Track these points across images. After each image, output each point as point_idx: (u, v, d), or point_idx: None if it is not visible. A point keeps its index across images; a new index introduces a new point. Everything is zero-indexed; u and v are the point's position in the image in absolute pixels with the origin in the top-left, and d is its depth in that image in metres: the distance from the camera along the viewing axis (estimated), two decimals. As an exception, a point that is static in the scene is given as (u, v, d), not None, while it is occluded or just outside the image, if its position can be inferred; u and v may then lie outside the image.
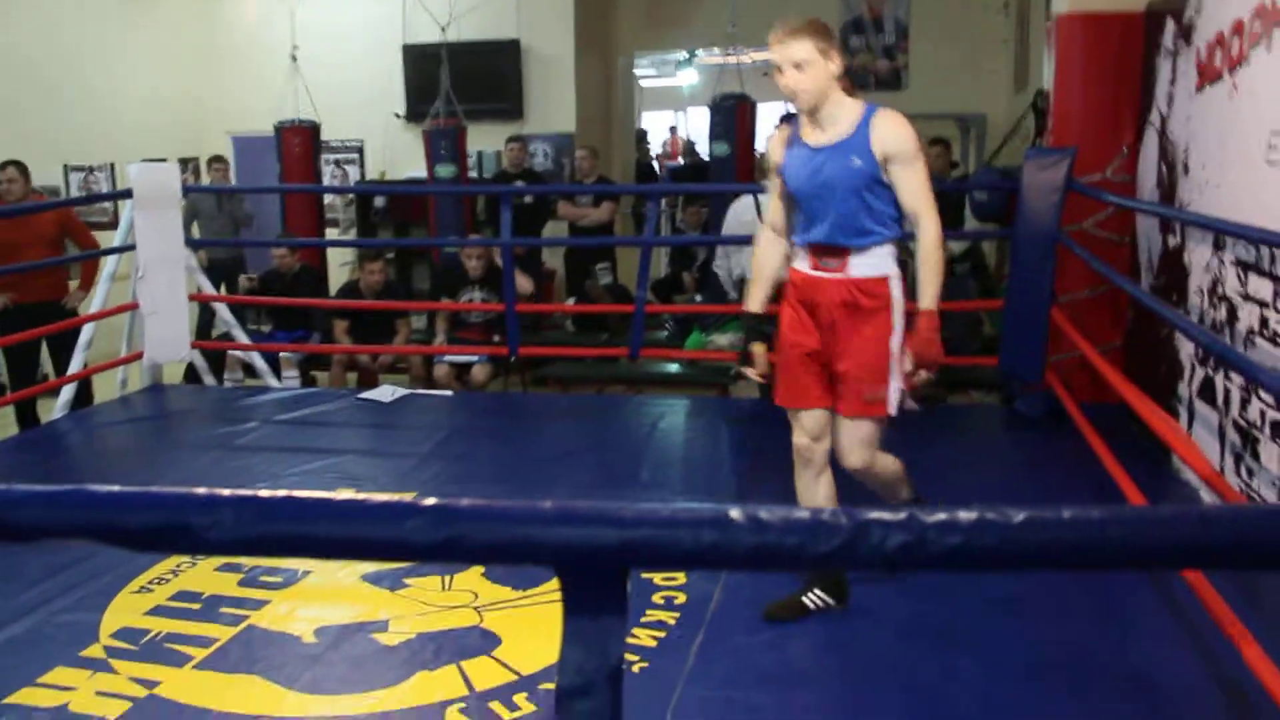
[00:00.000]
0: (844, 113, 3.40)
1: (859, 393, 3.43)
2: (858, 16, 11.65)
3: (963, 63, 10.97)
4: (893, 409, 3.45)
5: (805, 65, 3.30)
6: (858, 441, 3.49)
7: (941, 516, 0.88)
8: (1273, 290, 3.89)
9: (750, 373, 3.71)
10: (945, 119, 10.73)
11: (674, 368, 7.69)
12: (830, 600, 3.59)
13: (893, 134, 3.35)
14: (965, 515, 0.88)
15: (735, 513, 0.86)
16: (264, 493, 0.89)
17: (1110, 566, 0.92)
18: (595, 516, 0.86)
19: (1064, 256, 5.65)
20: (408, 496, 0.98)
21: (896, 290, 3.44)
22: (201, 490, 0.89)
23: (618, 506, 0.86)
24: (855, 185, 3.36)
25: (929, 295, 3.39)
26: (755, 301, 3.68)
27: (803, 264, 3.53)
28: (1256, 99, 4.11)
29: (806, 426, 3.55)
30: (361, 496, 0.88)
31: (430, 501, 0.87)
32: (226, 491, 0.89)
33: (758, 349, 3.66)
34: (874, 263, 3.41)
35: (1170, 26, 5.25)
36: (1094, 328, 5.67)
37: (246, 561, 4.12)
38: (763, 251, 3.71)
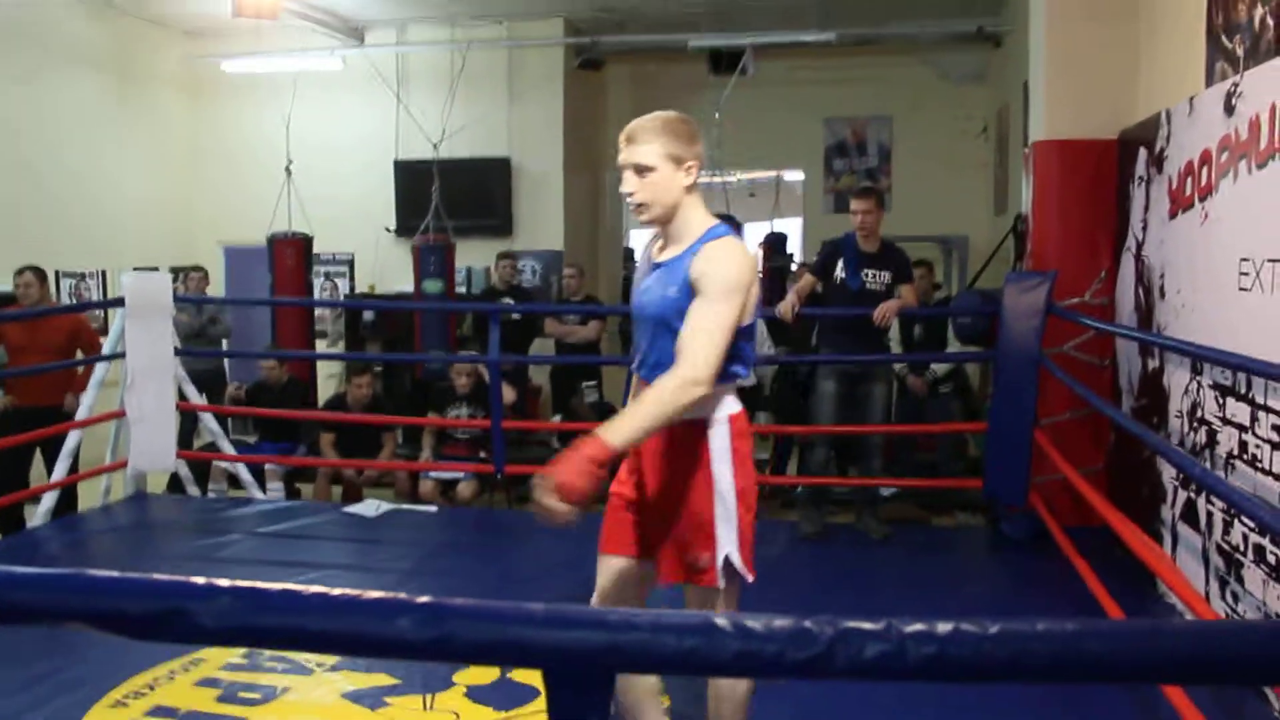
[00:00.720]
0: (689, 232, 2.89)
1: (679, 556, 2.92)
2: (841, 140, 11.94)
3: (944, 186, 11.21)
4: (720, 580, 2.87)
5: (648, 172, 2.83)
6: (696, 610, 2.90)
7: (919, 626, 0.91)
8: (1250, 414, 3.95)
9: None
10: (928, 241, 10.92)
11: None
12: None
13: (704, 263, 2.77)
14: (942, 626, 0.91)
15: (720, 620, 0.88)
16: (261, 584, 0.91)
17: (1085, 679, 0.94)
18: (584, 620, 0.88)
19: (1045, 379, 5.72)
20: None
21: (719, 439, 2.88)
22: (200, 579, 0.91)
23: (605, 610, 0.88)
24: (665, 316, 2.85)
25: (619, 429, 2.63)
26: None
27: None
28: (1225, 227, 4.22)
29: (602, 574, 3.10)
30: (355, 592, 0.90)
31: (423, 600, 0.89)
32: (225, 581, 0.90)
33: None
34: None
35: (1143, 155, 5.40)
36: (1077, 450, 5.71)
37: (225, 677, 4.07)
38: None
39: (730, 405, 2.92)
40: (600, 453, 2.59)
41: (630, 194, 2.87)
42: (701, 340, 2.71)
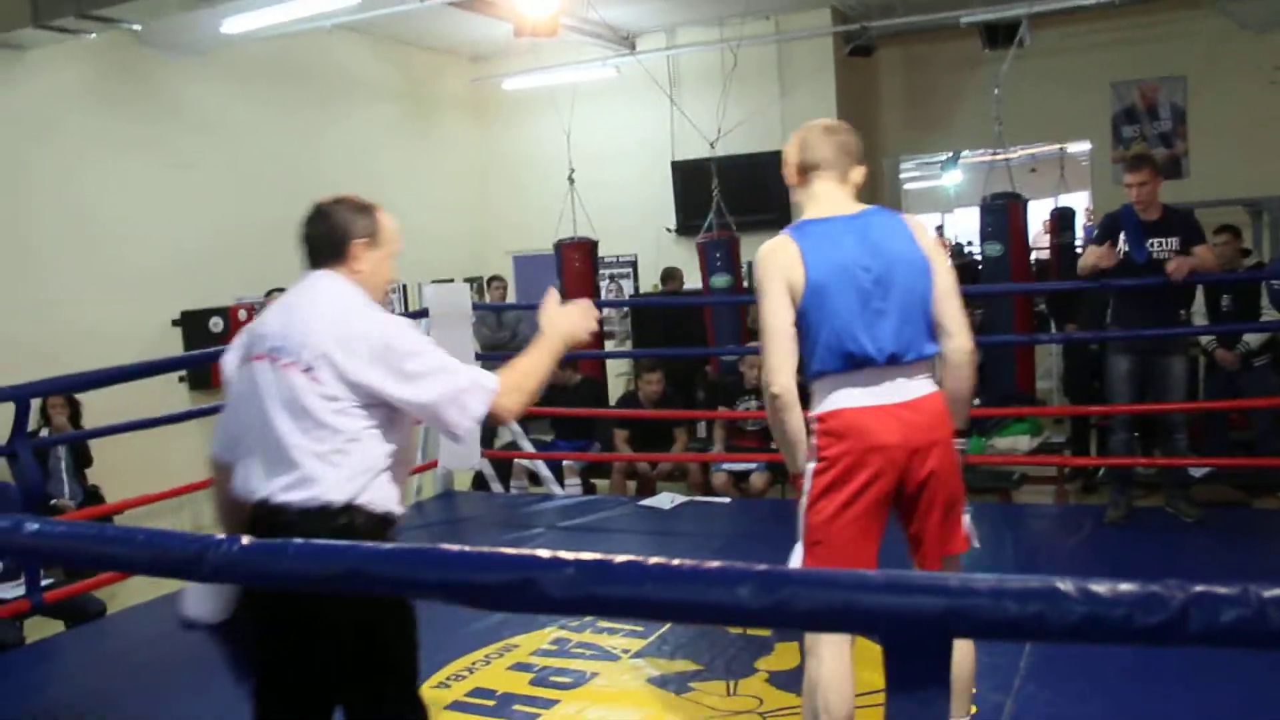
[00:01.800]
0: None
1: None
2: (1130, 106, 11.29)
3: (1249, 144, 10.40)
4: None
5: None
6: None
7: (1280, 592, 0.86)
8: None
9: None
10: (1234, 205, 10.20)
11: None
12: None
13: None
14: (1307, 591, 0.86)
15: (1063, 584, 0.87)
16: (604, 556, 0.95)
17: None
18: (922, 585, 0.88)
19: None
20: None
21: (810, 438, 2.93)
22: (544, 552, 0.96)
23: (944, 576, 0.88)
24: None
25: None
26: None
27: None
28: None
29: None
30: (694, 562, 0.93)
31: (761, 567, 0.91)
32: (570, 553, 0.95)
33: None
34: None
35: None
36: None
37: (537, 662, 4.26)
38: None
39: (824, 402, 2.89)
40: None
41: None
42: (761, 349, 2.93)
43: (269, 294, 7.80)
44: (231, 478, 2.63)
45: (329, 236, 2.70)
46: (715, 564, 0.93)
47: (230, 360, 2.72)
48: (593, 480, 8.26)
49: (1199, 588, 0.87)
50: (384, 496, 2.61)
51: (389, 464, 2.61)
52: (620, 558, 0.96)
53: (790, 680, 3.91)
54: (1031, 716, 3.55)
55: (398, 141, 11.13)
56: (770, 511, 6.79)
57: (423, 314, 7.03)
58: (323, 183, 9.73)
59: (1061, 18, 10.30)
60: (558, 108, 10.67)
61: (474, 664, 4.29)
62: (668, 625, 4.48)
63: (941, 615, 0.88)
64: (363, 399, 2.53)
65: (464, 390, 2.54)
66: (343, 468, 2.52)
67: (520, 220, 11.72)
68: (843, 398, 2.85)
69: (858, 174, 3.10)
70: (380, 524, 2.60)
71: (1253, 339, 7.11)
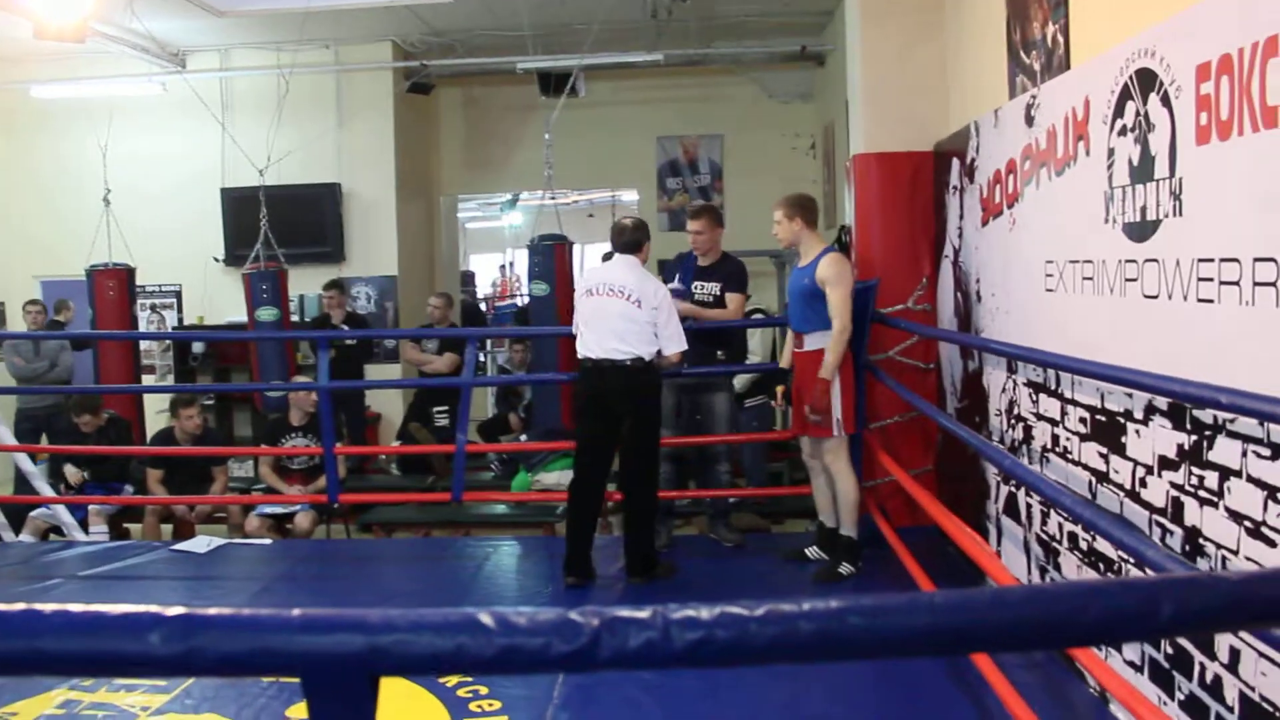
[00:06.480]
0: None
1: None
2: (674, 159, 12.08)
3: (776, 201, 11.37)
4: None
5: None
6: None
7: (686, 613, 0.91)
8: (1060, 409, 4.12)
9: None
10: (762, 255, 11.09)
11: (501, 508, 7.62)
12: (855, 567, 5.40)
13: None
14: (707, 611, 0.91)
15: (483, 615, 0.87)
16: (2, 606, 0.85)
17: (850, 656, 0.95)
18: (342, 623, 0.86)
19: (873, 384, 5.86)
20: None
21: None
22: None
23: (365, 612, 0.86)
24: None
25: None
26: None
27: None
28: (1031, 232, 4.41)
29: None
30: (102, 608, 0.86)
31: (174, 611, 0.85)
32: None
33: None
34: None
35: (956, 165, 5.60)
36: (906, 452, 5.87)
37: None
38: None
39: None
40: None
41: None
42: None
43: None
44: (581, 348, 5.36)
45: (633, 241, 5.48)
46: (122, 610, 0.86)
47: (580, 293, 5.49)
48: (126, 525, 7.68)
49: (613, 613, 0.90)
50: (654, 356, 5.33)
51: (657, 343, 5.31)
52: (17, 607, 0.86)
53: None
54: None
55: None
56: (313, 552, 6.59)
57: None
58: None
59: (613, 72, 10.84)
60: (95, 122, 9.92)
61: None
62: (191, 679, 4.22)
63: (362, 653, 0.86)
64: (652, 316, 5.26)
65: (677, 335, 5.34)
66: (645, 343, 5.26)
67: (50, 242, 10.76)
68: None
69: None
70: (654, 366, 5.36)
71: (740, 382, 7.56)
